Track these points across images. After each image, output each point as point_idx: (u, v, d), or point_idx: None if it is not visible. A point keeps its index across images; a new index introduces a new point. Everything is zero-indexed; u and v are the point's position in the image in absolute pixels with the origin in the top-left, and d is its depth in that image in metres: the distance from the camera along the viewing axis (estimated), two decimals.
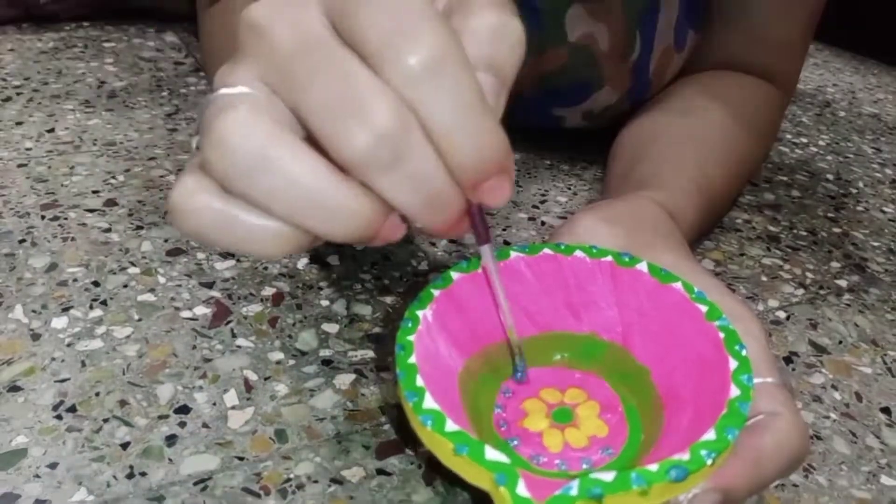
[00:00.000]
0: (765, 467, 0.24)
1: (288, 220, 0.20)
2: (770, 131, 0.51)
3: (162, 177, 0.51)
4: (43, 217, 0.45)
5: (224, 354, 0.35)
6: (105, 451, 0.30)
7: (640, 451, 0.27)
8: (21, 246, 0.42)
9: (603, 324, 0.30)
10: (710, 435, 0.23)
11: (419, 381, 0.24)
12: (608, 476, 0.21)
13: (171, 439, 0.31)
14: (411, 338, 0.26)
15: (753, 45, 0.52)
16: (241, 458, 0.30)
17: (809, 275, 0.47)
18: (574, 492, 0.21)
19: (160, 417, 0.32)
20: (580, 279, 0.31)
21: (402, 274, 0.43)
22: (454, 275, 0.29)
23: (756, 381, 0.26)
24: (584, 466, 0.26)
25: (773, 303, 0.44)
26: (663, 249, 0.32)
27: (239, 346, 0.36)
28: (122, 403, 0.32)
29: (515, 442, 0.27)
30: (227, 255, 0.43)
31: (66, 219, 0.45)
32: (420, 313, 0.27)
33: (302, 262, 0.43)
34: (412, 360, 0.25)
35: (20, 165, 0.51)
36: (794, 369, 0.39)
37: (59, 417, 0.31)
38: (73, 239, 0.43)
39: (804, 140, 0.70)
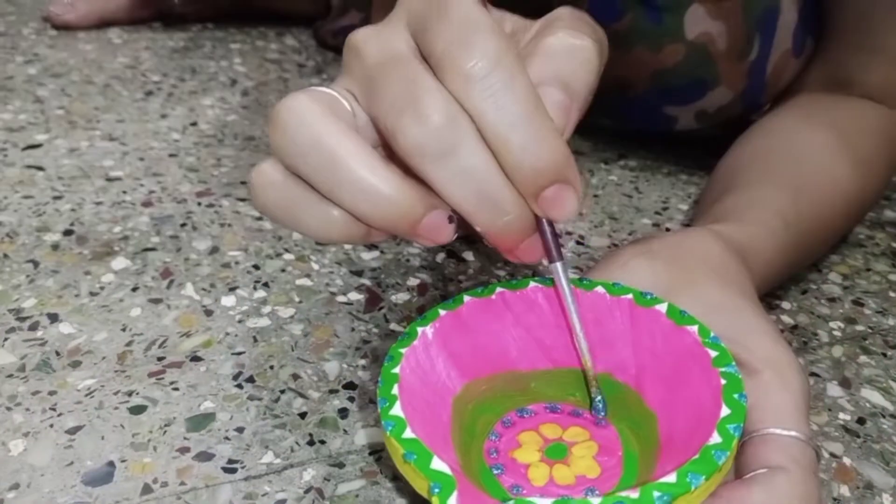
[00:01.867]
0: None
1: (332, 199, 0.22)
2: (885, 162, 0.49)
3: None
4: (199, 203, 0.48)
5: (381, 337, 0.38)
6: (285, 419, 0.32)
7: None
8: (183, 229, 0.45)
9: (617, 364, 0.29)
10: (670, 478, 0.22)
11: (394, 390, 0.25)
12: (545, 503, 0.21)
13: (343, 412, 0.33)
14: (402, 349, 0.26)
15: (872, 60, 0.51)
16: None
17: None
18: None
19: (331, 392, 0.34)
20: (598, 316, 0.29)
21: (535, 272, 0.44)
22: (466, 298, 0.29)
23: (776, 431, 0.25)
24: None
25: None
26: (709, 285, 0.31)
27: (392, 331, 0.38)
28: (295, 377, 0.35)
29: (499, 470, 0.26)
30: (371, 247, 0.45)
31: (220, 206, 0.48)
32: (420, 329, 0.27)
33: (440, 257, 0.45)
34: (396, 370, 0.26)
35: (171, 155, 0.54)
36: None
37: (239, 387, 0.34)
38: (229, 225, 0.46)
39: None
